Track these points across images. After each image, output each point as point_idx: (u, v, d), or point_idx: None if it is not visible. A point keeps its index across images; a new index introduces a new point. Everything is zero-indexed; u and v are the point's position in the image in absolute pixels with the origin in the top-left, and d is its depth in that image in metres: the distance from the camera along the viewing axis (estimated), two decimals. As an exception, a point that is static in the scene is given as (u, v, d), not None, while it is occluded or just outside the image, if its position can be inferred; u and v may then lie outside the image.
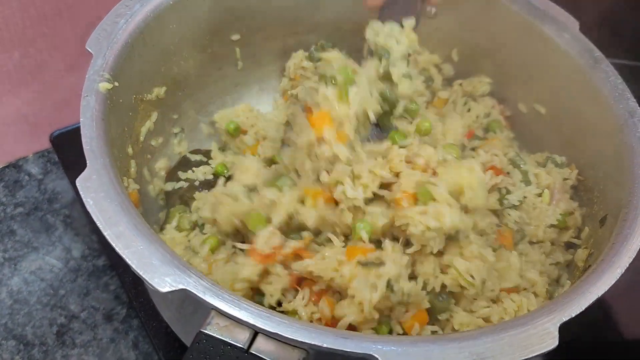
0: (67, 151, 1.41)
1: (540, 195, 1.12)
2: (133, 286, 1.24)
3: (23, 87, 1.44)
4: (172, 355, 1.17)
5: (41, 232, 1.38)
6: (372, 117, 1.03)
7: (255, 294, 0.99)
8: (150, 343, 1.23)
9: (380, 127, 1.09)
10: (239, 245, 1.01)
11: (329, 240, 1.00)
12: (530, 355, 0.73)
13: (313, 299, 0.97)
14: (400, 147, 1.02)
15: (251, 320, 0.74)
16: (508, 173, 1.14)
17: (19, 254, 1.34)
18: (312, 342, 0.72)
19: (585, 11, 1.19)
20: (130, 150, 1.08)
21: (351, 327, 0.93)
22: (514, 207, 1.11)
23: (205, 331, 0.76)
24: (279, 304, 0.98)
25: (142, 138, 1.13)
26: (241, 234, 1.05)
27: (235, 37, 1.26)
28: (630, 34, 1.50)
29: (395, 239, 0.99)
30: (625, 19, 1.52)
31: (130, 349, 1.23)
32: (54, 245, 1.36)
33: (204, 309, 0.78)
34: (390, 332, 0.96)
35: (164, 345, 1.18)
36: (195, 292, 0.75)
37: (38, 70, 1.43)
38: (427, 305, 0.97)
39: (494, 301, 1.01)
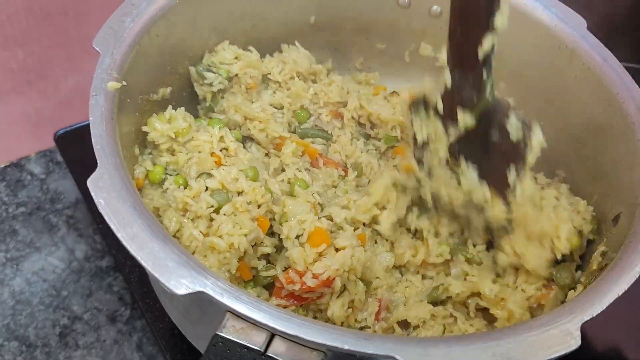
0: (71, 150, 1.41)
1: None
2: (139, 287, 1.23)
3: (26, 86, 1.43)
4: (179, 357, 1.16)
5: (44, 232, 1.37)
6: None
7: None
8: (155, 344, 1.23)
9: None
10: None
11: None
12: (553, 356, 0.73)
13: None
14: None
15: (271, 323, 0.73)
16: None
17: (21, 254, 1.33)
18: (333, 344, 0.72)
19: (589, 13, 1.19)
20: (137, 151, 1.07)
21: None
22: None
23: (221, 334, 0.75)
24: None
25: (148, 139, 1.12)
26: None
27: (241, 36, 1.25)
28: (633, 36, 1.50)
29: None
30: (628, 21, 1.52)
31: (134, 350, 1.23)
32: (56, 246, 1.35)
33: (215, 310, 0.78)
34: None
35: (171, 347, 1.17)
36: (212, 295, 0.74)
37: (42, 69, 1.42)
38: None
39: None
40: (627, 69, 1.09)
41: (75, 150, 1.39)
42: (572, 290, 0.99)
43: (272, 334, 0.75)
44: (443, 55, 1.31)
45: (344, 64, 1.40)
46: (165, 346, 1.18)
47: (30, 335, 1.23)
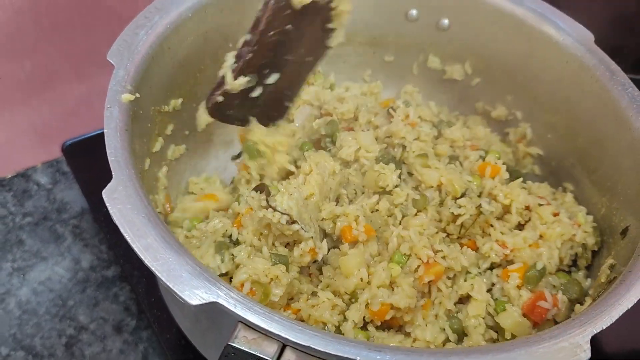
0: (79, 161, 1.40)
1: None
2: (147, 297, 1.23)
3: (34, 97, 1.43)
4: (186, 367, 1.16)
5: (50, 242, 1.37)
6: None
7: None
8: (161, 355, 1.23)
9: None
10: None
11: None
12: (564, 368, 0.73)
13: None
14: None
15: (282, 333, 0.74)
16: None
17: (27, 264, 1.33)
18: (345, 356, 0.72)
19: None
20: (147, 164, 1.07)
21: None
22: None
23: (233, 344, 0.76)
24: None
25: (154, 150, 1.12)
26: None
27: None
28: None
29: None
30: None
31: (139, 360, 1.23)
32: (62, 256, 1.35)
33: (227, 320, 0.78)
34: None
35: (178, 357, 1.17)
36: (226, 305, 0.75)
37: (49, 80, 1.42)
38: None
39: None
40: (633, 81, 1.10)
41: (82, 161, 1.39)
42: (579, 304, 1.00)
43: (284, 345, 0.76)
44: (450, 68, 1.34)
45: (352, 75, 1.41)
46: (173, 356, 1.17)
47: (37, 345, 1.23)
